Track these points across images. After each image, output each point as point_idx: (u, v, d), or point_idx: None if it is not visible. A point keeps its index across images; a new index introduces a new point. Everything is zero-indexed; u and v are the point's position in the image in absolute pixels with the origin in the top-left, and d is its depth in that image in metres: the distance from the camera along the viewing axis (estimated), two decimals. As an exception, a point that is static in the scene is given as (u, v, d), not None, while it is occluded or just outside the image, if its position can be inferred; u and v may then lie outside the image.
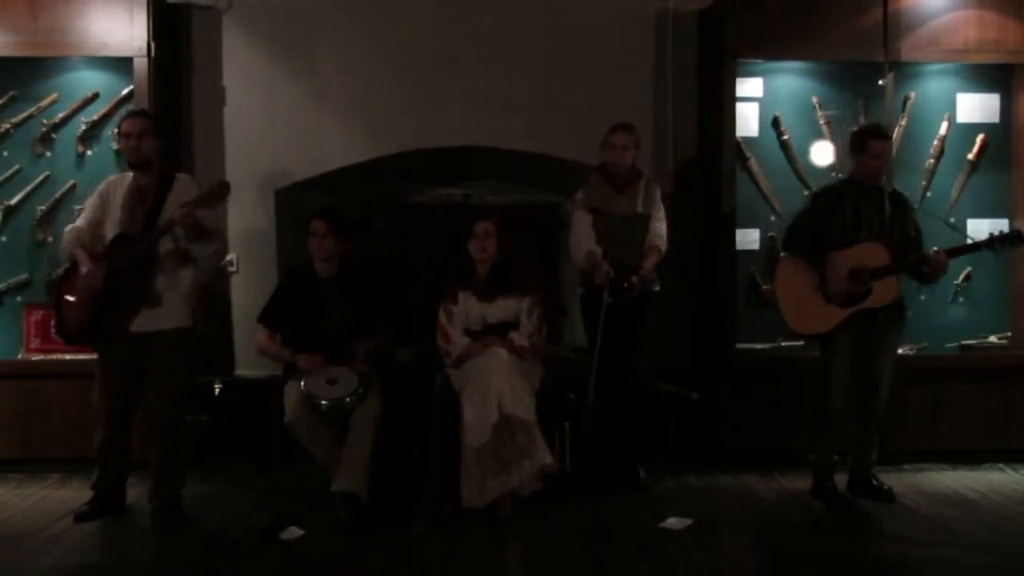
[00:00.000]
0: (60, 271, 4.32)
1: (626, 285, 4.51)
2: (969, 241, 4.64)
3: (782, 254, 4.59)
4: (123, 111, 4.93)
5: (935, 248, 4.35)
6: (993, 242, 4.31)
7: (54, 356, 5.08)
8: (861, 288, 4.31)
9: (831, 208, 4.43)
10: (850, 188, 4.46)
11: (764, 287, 5.19)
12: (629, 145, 4.68)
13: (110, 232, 4.18)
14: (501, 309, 4.58)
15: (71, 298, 4.16)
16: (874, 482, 4.55)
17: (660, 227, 4.74)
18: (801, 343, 4.98)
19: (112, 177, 4.37)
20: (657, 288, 4.74)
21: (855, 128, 4.76)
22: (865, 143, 4.40)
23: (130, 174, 4.27)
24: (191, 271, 4.25)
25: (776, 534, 4.12)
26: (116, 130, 4.70)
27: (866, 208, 4.39)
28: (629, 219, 4.69)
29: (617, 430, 4.67)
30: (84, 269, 4.10)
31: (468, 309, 4.58)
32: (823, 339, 4.45)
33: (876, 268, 4.29)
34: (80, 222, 4.29)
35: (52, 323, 4.61)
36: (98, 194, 4.29)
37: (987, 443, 5.17)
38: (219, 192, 4.13)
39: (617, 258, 4.57)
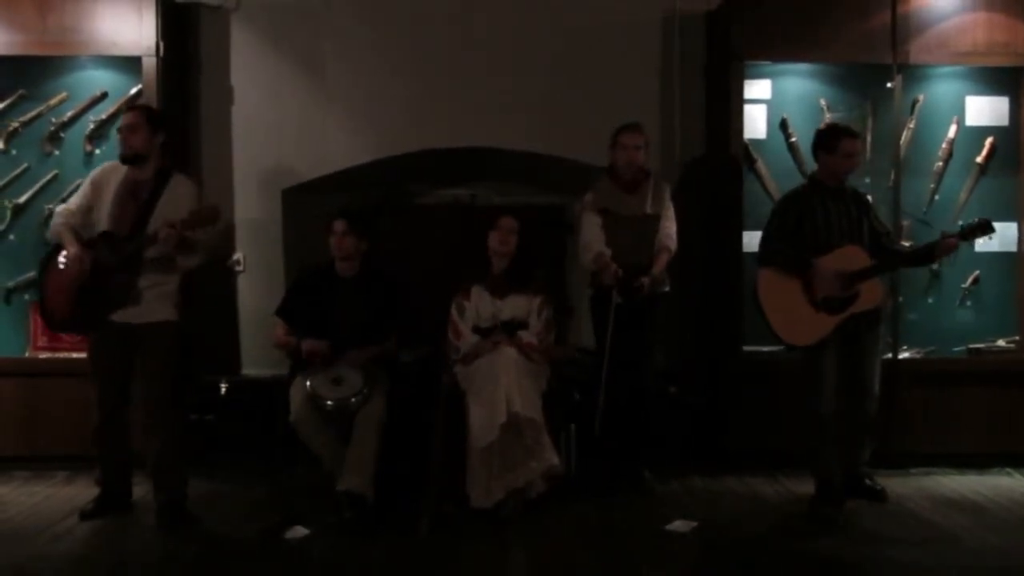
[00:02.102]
0: (46, 255, 4.31)
1: (636, 285, 4.51)
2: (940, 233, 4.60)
3: (759, 267, 4.52)
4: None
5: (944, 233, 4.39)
6: (966, 234, 4.31)
7: (61, 354, 5.09)
8: (849, 293, 4.30)
9: (800, 213, 4.40)
10: (816, 191, 4.44)
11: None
12: (640, 145, 4.68)
13: (100, 219, 4.17)
14: (513, 306, 4.59)
15: (53, 285, 4.17)
16: (867, 482, 4.55)
17: (670, 227, 4.72)
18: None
19: (107, 164, 4.36)
20: (667, 289, 4.74)
21: (822, 127, 4.74)
22: (836, 142, 4.37)
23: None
24: (175, 275, 4.24)
25: (781, 537, 4.11)
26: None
27: (834, 210, 4.38)
28: (639, 219, 4.68)
29: (623, 432, 4.66)
30: (71, 251, 4.09)
31: (480, 305, 4.59)
32: (811, 348, 4.43)
33: (859, 271, 4.28)
34: (71, 204, 4.28)
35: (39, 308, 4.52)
36: (91, 180, 4.28)
37: (995, 447, 5.14)
38: (208, 216, 4.12)
39: (627, 259, 4.56)
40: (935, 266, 5.12)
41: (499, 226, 4.61)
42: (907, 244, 4.96)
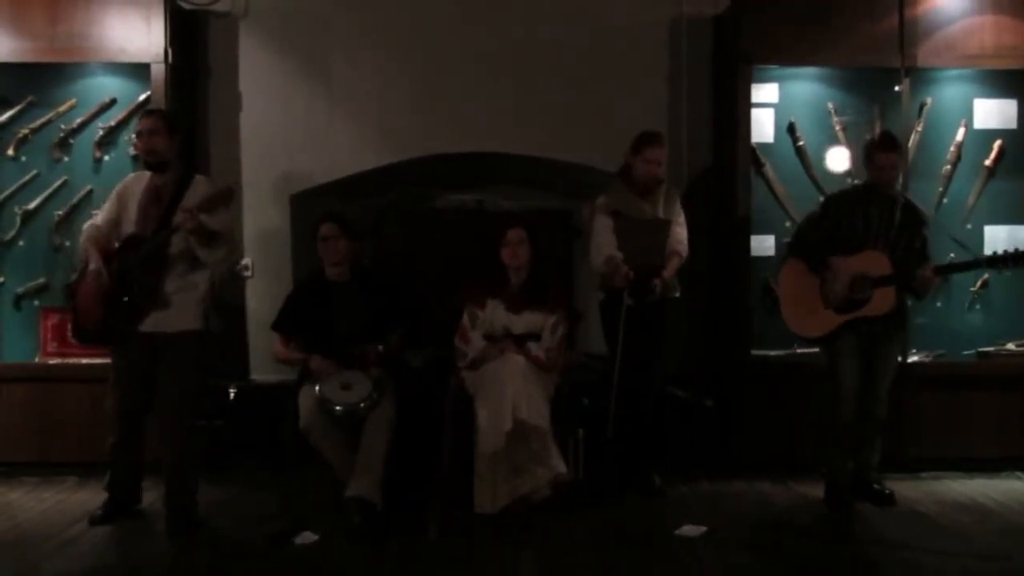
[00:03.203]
0: (76, 271, 4.34)
1: (648, 287, 4.51)
2: (971, 258, 4.60)
3: (788, 255, 4.62)
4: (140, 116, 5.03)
5: (929, 265, 4.33)
6: (996, 260, 4.27)
7: (71, 360, 5.10)
8: (861, 295, 4.31)
9: (842, 213, 4.44)
10: (865, 195, 4.47)
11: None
12: (663, 160, 4.69)
13: (128, 230, 4.20)
14: (527, 322, 4.57)
15: (83, 297, 4.18)
16: (875, 486, 4.56)
17: (681, 232, 4.74)
18: (816, 349, 4.96)
19: (131, 175, 4.39)
20: (678, 294, 4.75)
21: (869, 137, 4.76)
22: (871, 154, 4.42)
23: (149, 173, 4.28)
24: (205, 274, 4.24)
25: (790, 541, 4.10)
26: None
27: (876, 216, 4.40)
28: (651, 224, 4.68)
29: (632, 435, 4.66)
30: (92, 264, 4.12)
31: (494, 317, 4.58)
32: (827, 349, 4.47)
33: (878, 277, 4.29)
34: (98, 220, 4.31)
35: (69, 324, 4.62)
36: (116, 193, 4.31)
37: (1005, 451, 5.13)
38: (223, 197, 4.10)
39: (638, 262, 4.57)
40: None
41: (508, 240, 4.57)
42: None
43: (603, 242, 4.65)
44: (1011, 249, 4.25)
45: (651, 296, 4.52)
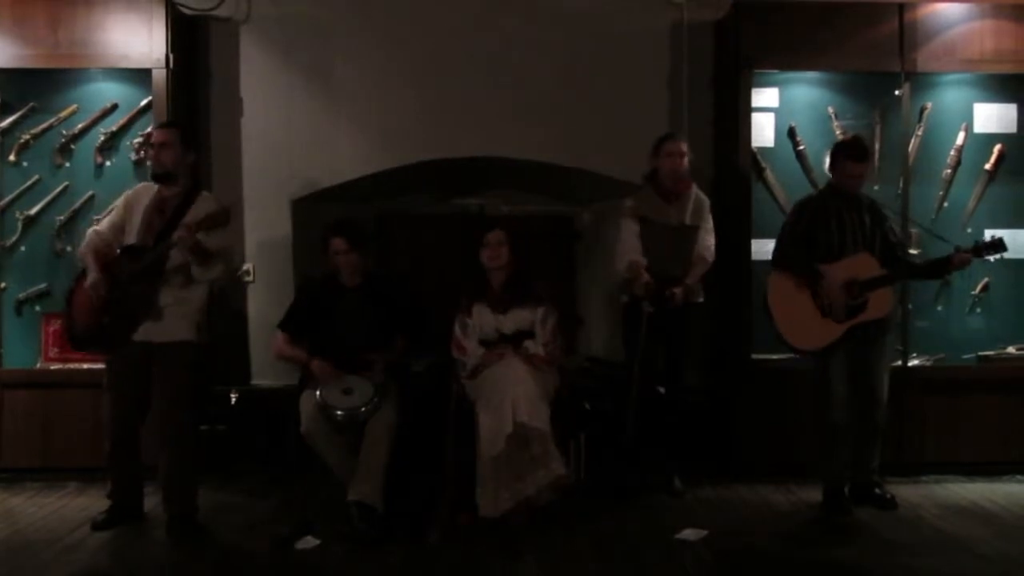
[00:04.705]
0: (75, 277, 4.34)
1: (666, 295, 4.52)
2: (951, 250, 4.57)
3: (772, 269, 4.57)
4: (143, 122, 5.12)
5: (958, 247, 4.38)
6: (979, 249, 4.33)
7: (72, 365, 5.10)
8: (857, 300, 4.30)
9: (815, 218, 4.43)
10: (832, 198, 4.47)
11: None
12: (684, 152, 4.70)
13: (130, 240, 4.21)
14: (515, 320, 4.57)
15: (78, 303, 4.19)
16: (876, 490, 4.56)
17: (709, 239, 4.76)
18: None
19: (141, 185, 4.40)
20: (701, 299, 4.75)
21: (837, 141, 4.77)
22: (840, 162, 4.43)
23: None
24: (201, 288, 4.25)
25: (792, 546, 4.10)
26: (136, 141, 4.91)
27: (848, 218, 4.41)
28: (676, 230, 4.71)
29: (653, 438, 4.67)
30: (91, 276, 4.13)
31: (482, 321, 4.58)
32: (817, 354, 4.44)
33: (869, 279, 4.29)
34: (102, 226, 4.32)
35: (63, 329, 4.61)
36: (124, 200, 4.32)
37: (1005, 455, 5.13)
38: (218, 218, 4.11)
39: (661, 268, 4.58)
40: (947, 278, 5.13)
41: (487, 242, 4.57)
42: (915, 252, 4.97)
43: (627, 247, 4.66)
44: (989, 238, 4.34)
45: (671, 304, 4.53)
